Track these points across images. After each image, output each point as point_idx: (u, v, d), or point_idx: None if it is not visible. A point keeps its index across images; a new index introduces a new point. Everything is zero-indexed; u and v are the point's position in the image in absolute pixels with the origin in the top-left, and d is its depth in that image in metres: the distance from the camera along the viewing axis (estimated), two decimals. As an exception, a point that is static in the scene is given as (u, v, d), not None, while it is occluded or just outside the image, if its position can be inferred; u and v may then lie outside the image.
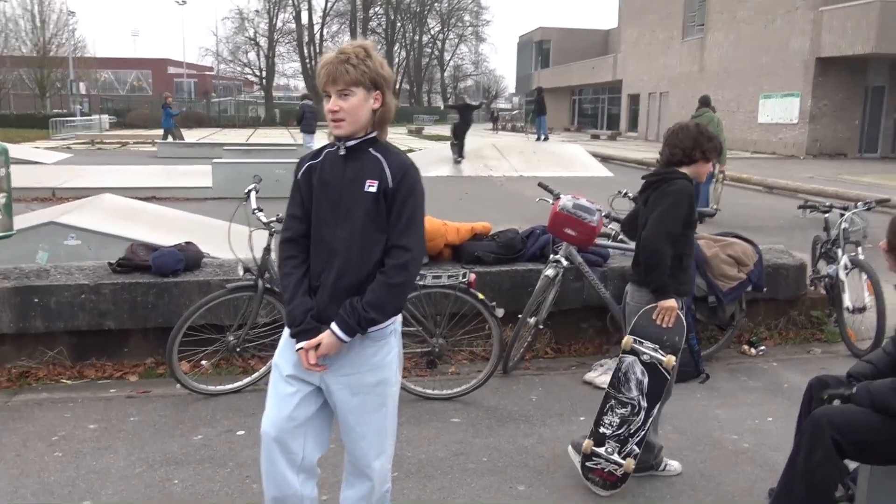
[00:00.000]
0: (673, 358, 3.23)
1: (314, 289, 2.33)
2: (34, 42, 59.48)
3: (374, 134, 2.33)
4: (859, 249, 5.63)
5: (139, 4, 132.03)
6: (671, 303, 3.20)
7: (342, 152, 2.31)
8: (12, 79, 57.43)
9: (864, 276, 5.26)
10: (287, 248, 2.38)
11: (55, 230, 6.71)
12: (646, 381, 3.25)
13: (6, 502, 3.10)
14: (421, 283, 4.24)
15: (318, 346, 2.26)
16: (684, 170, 3.32)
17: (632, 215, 3.73)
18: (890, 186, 14.93)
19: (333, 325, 2.25)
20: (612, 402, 3.30)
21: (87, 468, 3.41)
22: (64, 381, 4.50)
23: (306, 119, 19.33)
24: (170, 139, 24.49)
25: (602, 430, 3.29)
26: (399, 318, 2.42)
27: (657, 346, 3.24)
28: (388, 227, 2.27)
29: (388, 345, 2.37)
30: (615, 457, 3.23)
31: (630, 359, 3.27)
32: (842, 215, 5.75)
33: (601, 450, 3.26)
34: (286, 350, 2.38)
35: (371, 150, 2.31)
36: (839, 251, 5.52)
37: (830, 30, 23.72)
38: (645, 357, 3.25)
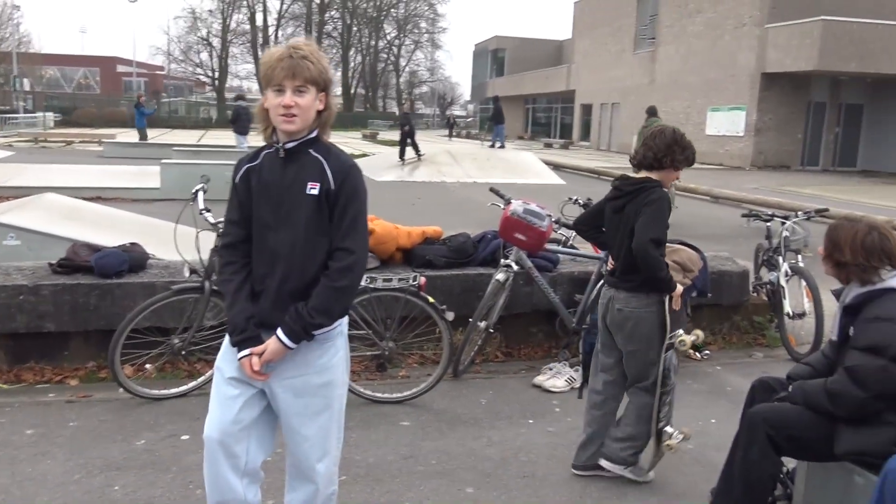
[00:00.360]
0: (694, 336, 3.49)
1: (257, 293, 2.30)
2: (-25, 36, 57.58)
3: (313, 135, 2.29)
4: (799, 257, 5.81)
5: (87, 1, 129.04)
6: (679, 289, 3.37)
7: (282, 154, 2.27)
8: (-49, 74, 55.42)
9: (804, 283, 5.43)
10: (226, 253, 2.35)
11: (-6, 229, 6.49)
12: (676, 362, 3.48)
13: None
14: (371, 286, 4.22)
15: (262, 353, 2.24)
16: (653, 174, 3.36)
17: (588, 215, 3.74)
18: (830, 198, 15.45)
19: (279, 332, 2.22)
20: (665, 397, 3.41)
21: (23, 475, 3.30)
22: (0, 385, 4.34)
23: (241, 120, 19.17)
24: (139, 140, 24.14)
25: (661, 424, 3.40)
26: (345, 319, 2.39)
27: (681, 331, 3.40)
28: (330, 229, 2.24)
29: (335, 346, 2.34)
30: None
31: (670, 353, 3.38)
32: (783, 224, 5.93)
33: (668, 435, 3.40)
34: (229, 352, 2.33)
35: (311, 151, 2.28)
36: (780, 259, 5.69)
37: (775, 46, 24.48)
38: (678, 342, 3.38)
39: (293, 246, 2.23)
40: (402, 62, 77.62)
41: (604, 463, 3.46)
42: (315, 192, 2.22)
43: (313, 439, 2.34)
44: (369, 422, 3.99)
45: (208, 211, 4.25)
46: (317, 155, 2.27)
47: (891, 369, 2.57)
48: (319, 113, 2.28)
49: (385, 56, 77.18)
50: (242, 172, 2.34)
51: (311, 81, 2.20)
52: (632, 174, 3.49)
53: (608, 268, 3.61)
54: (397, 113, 71.66)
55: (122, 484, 3.25)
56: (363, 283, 4.23)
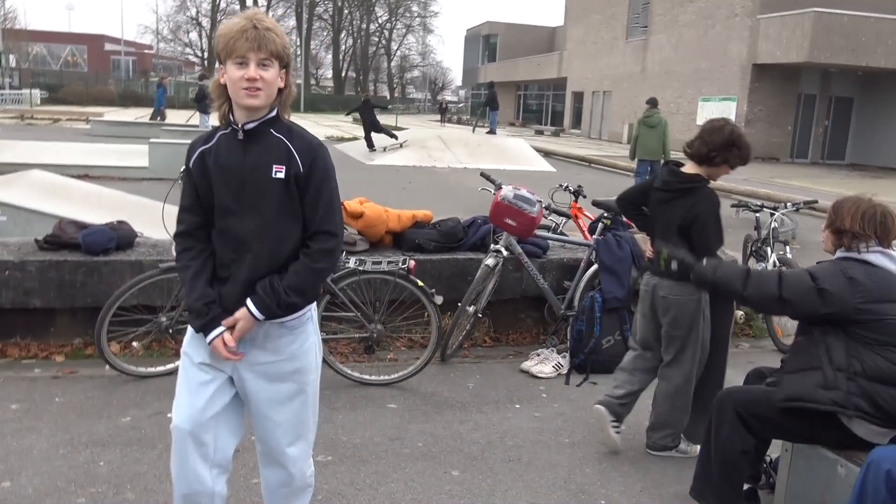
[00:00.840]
0: None
1: (222, 279, 2.20)
2: (-39, 10, 56.74)
3: (273, 114, 2.16)
4: (787, 248, 5.85)
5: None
6: None
7: (240, 136, 2.14)
8: (-65, 47, 54.59)
9: (791, 274, 5.46)
10: (181, 240, 2.23)
11: (-22, 205, 6.43)
12: None
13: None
14: (361, 268, 4.22)
15: (233, 329, 2.15)
16: (703, 169, 3.39)
17: (632, 194, 3.78)
18: (818, 190, 15.54)
19: (249, 304, 2.13)
20: None
21: (7, 449, 3.28)
22: (-16, 360, 4.31)
23: (206, 99, 19.08)
24: (158, 119, 24.33)
25: None
26: (314, 305, 2.32)
27: None
28: (303, 213, 2.15)
29: (305, 332, 2.27)
30: None
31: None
32: (772, 215, 5.96)
33: None
34: (196, 337, 2.23)
35: (273, 131, 2.15)
36: (769, 250, 5.72)
37: (767, 37, 24.50)
38: None
39: (261, 232, 2.13)
40: (394, 46, 77.25)
41: (649, 453, 3.62)
42: (281, 175, 2.10)
43: (286, 425, 2.29)
44: (356, 403, 4.00)
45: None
46: (279, 135, 2.14)
47: (811, 293, 2.69)
48: (280, 91, 2.15)
49: (376, 40, 76.77)
50: (196, 156, 2.19)
51: (275, 55, 2.08)
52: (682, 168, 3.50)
53: (648, 256, 3.64)
54: (388, 97, 71.47)
55: (107, 460, 3.24)
56: (352, 264, 4.23)
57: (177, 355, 4.41)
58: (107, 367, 4.14)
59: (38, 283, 4.38)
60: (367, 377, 4.29)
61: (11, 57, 49.44)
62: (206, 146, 2.19)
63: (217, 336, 2.16)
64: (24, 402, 3.78)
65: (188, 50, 69.30)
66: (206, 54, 66.77)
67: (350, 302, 4.25)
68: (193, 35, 68.12)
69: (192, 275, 2.19)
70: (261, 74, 2.06)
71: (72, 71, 61.67)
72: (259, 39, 2.05)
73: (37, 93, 42.11)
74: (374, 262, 4.27)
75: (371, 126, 20.05)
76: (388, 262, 4.27)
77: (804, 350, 2.81)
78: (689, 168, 3.45)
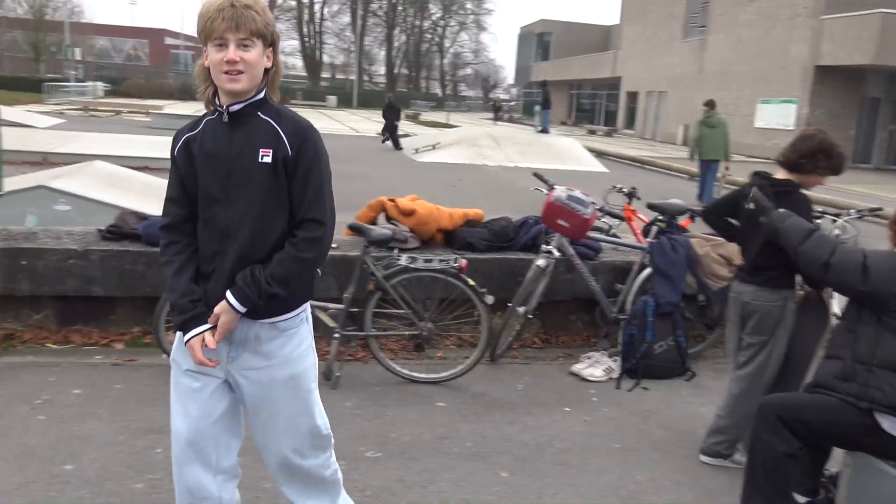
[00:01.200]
0: None
1: (206, 275, 2.08)
2: (30, 4, 58.78)
3: (261, 95, 2.05)
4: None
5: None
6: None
7: (226, 119, 2.03)
8: (7, 40, 56.74)
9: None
10: (166, 234, 2.12)
11: (45, 194, 6.66)
12: None
13: (-14, 462, 3.08)
14: (412, 265, 4.23)
15: (214, 328, 2.04)
16: (793, 175, 3.36)
17: (720, 205, 3.77)
18: (882, 197, 15.03)
19: (228, 295, 2.00)
20: None
21: (70, 433, 3.39)
22: (49, 345, 4.46)
23: None
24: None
25: None
26: (308, 305, 2.21)
27: None
28: (291, 200, 2.03)
29: (299, 335, 2.15)
30: None
31: None
32: (834, 222, 5.79)
33: None
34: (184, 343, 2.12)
35: (260, 114, 2.03)
36: (829, 257, 5.55)
37: (831, 38, 23.78)
38: None
39: (246, 222, 2.01)
40: (447, 43, 77.31)
41: (702, 458, 3.56)
42: (268, 159, 1.99)
43: (283, 434, 2.17)
44: (405, 401, 4.01)
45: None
46: (266, 118, 2.03)
47: (856, 268, 2.76)
48: (266, 71, 2.04)
49: (429, 37, 76.94)
50: (181, 143, 2.08)
51: (257, 34, 1.96)
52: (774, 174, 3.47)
53: (739, 262, 3.63)
54: (440, 94, 71.60)
55: (164, 447, 3.32)
56: (403, 262, 4.25)
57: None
58: (164, 355, 4.24)
59: (100, 272, 4.51)
60: (416, 374, 4.30)
61: (77, 50, 51.04)
62: (192, 133, 2.09)
63: (195, 335, 2.04)
64: (85, 388, 3.90)
65: (245, 45, 70.38)
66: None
67: (401, 299, 4.26)
68: (250, 31, 69.17)
69: (175, 270, 2.08)
70: (241, 56, 1.95)
71: (133, 64, 63.43)
72: (236, 18, 1.93)
73: (100, 85, 43.39)
74: (425, 260, 4.28)
75: (390, 129, 21.45)
76: (440, 261, 4.27)
77: (836, 336, 2.89)
78: (781, 175, 3.40)
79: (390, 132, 21.58)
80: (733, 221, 3.61)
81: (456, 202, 6.23)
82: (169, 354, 4.14)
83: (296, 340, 2.14)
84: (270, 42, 2.03)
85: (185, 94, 41.62)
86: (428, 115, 42.72)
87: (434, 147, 19.94)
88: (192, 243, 2.10)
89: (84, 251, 4.50)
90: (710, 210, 3.81)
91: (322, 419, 2.28)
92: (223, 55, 1.94)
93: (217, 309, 2.03)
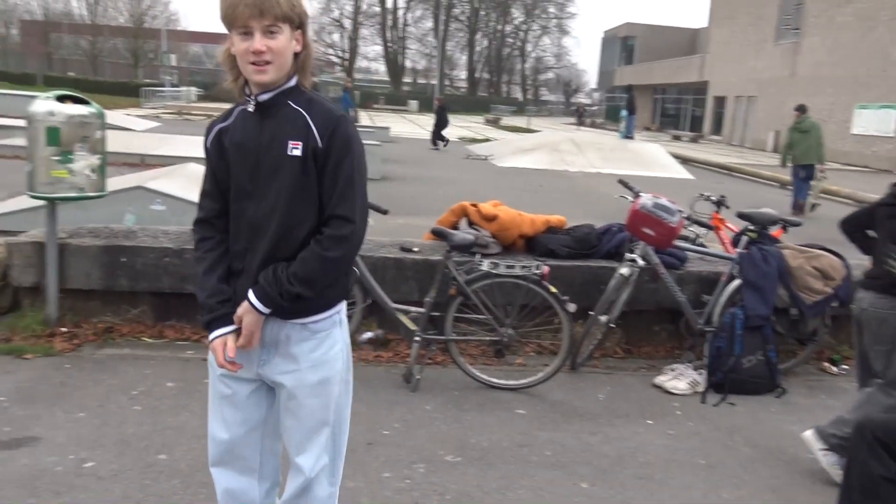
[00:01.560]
0: None
1: (236, 272, 1.98)
2: (131, 13, 61.87)
3: (292, 83, 1.93)
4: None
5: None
6: None
7: (252, 109, 1.92)
8: (108, 47, 59.85)
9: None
10: (199, 229, 2.03)
11: (143, 194, 6.99)
12: None
13: (88, 449, 3.25)
14: (494, 271, 4.23)
15: (238, 331, 1.95)
16: None
17: (857, 216, 3.71)
18: None
19: (250, 294, 1.90)
20: None
21: (164, 424, 3.54)
22: (145, 338, 4.67)
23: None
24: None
25: None
26: (343, 307, 2.08)
27: None
28: (320, 194, 1.90)
29: (331, 337, 2.03)
30: None
31: None
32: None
33: None
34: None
35: (290, 103, 1.91)
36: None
37: (938, 40, 22.51)
38: None
39: (275, 217, 1.90)
40: (529, 47, 77.06)
41: (806, 434, 3.52)
42: (298, 152, 1.87)
43: (302, 437, 2.05)
44: (484, 406, 4.01)
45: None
46: (297, 107, 1.90)
47: None
48: (296, 55, 1.91)
49: (511, 41, 76.88)
50: (213, 135, 1.99)
51: (283, 18, 1.82)
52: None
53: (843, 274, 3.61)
54: (521, 98, 71.40)
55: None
56: (485, 267, 4.25)
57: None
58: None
59: (194, 270, 4.68)
60: (495, 381, 4.30)
61: (172, 56, 53.37)
62: (224, 124, 1.98)
63: (219, 336, 1.95)
64: (178, 381, 4.06)
65: (330, 51, 72.20)
66: (346, 54, 69.35)
67: (482, 304, 4.27)
68: (336, 36, 70.94)
69: (206, 267, 1.99)
70: (268, 45, 1.83)
71: (223, 69, 65.75)
72: (260, 4, 1.79)
73: (193, 90, 45.19)
74: (507, 266, 4.27)
75: (439, 126, 22.50)
76: (522, 267, 4.25)
77: None
78: None
79: (437, 132, 22.64)
80: (871, 233, 3.53)
81: (536, 208, 6.19)
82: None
83: (328, 343, 2.02)
84: (298, 24, 1.88)
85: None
86: (508, 120, 42.64)
87: (486, 158, 19.88)
88: (225, 240, 2.00)
89: (179, 250, 4.69)
90: (846, 222, 3.73)
91: (342, 435, 2.13)
92: (248, 44, 1.82)
93: (240, 310, 1.93)
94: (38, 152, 4.32)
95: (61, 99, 4.41)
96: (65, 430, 3.40)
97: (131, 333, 4.69)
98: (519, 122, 41.68)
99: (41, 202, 4.57)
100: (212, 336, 1.95)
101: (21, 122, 13.33)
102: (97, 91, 40.81)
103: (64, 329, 4.58)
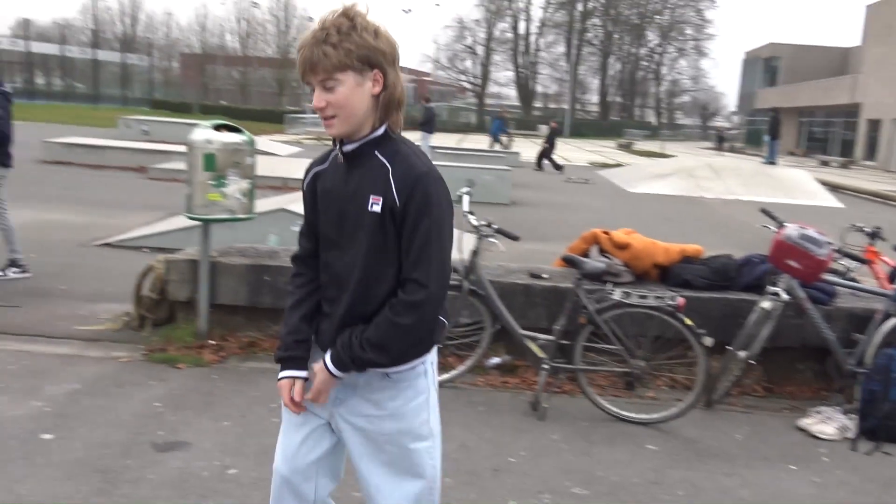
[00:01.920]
0: None
1: (325, 315, 1.94)
2: (277, 45, 65.92)
3: (380, 132, 1.82)
4: None
5: (370, 12, 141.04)
6: None
7: (340, 159, 1.86)
8: (257, 77, 63.96)
9: None
10: (295, 265, 2.02)
11: (285, 216, 7.38)
12: None
13: (232, 456, 3.44)
14: (626, 301, 4.14)
15: (306, 379, 1.93)
16: None
17: None
18: None
19: (326, 356, 1.87)
20: None
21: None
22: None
23: (429, 122, 21.78)
24: (497, 147, 27.43)
25: None
26: (430, 358, 1.97)
27: None
28: (400, 254, 1.81)
29: (413, 389, 1.92)
30: None
31: None
32: None
33: None
34: None
35: (377, 153, 1.81)
36: None
37: None
38: None
39: (355, 272, 1.83)
40: (664, 70, 75.27)
41: None
42: (377, 208, 1.77)
43: (384, 491, 1.95)
44: (613, 439, 3.91)
45: (472, 214, 4.45)
46: (383, 159, 1.80)
47: None
48: (376, 98, 1.79)
49: (646, 64, 75.40)
50: (310, 177, 1.95)
51: (338, 68, 1.72)
52: None
53: None
54: (654, 122, 69.76)
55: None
56: (617, 296, 4.16)
57: (443, 369, 4.68)
58: (382, 372, 4.49)
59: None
60: (625, 413, 4.18)
61: (313, 85, 56.23)
62: (321, 167, 1.94)
63: (287, 378, 1.94)
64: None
65: (462, 77, 73.67)
66: (478, 80, 70.49)
67: (612, 334, 4.18)
68: (468, 62, 72.34)
69: (292, 303, 1.97)
70: (327, 99, 1.76)
71: (361, 97, 68.54)
72: (310, 59, 1.73)
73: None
74: (640, 296, 4.17)
75: (548, 150, 22.62)
76: (655, 297, 4.14)
77: None
78: None
79: (546, 153, 22.71)
80: None
81: (670, 236, 5.99)
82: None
83: (409, 393, 1.92)
84: (373, 63, 1.76)
85: (406, 124, 44.12)
86: (641, 145, 41.70)
87: (587, 181, 19.42)
88: (317, 279, 1.96)
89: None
90: None
91: (431, 494, 1.99)
92: (313, 100, 1.79)
93: (316, 366, 1.89)
94: (196, 177, 4.68)
95: (217, 128, 4.76)
96: (211, 437, 3.62)
97: (272, 348, 4.94)
98: (652, 146, 40.67)
99: (195, 222, 4.93)
100: (280, 375, 1.95)
101: (177, 148, 14.48)
102: (245, 118, 43.62)
103: (212, 342, 4.90)
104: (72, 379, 4.25)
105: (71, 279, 6.44)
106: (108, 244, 7.96)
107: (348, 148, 1.82)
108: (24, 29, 62.71)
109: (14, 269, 6.35)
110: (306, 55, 1.74)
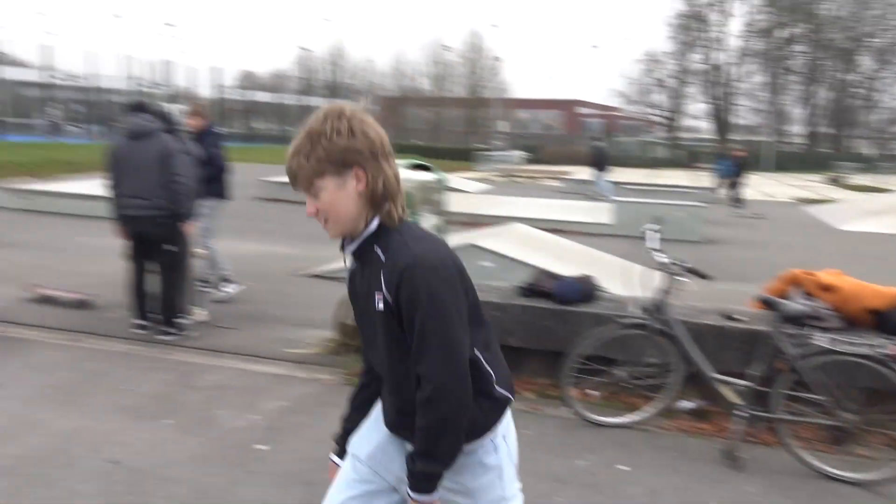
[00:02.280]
0: None
1: (384, 399, 2.00)
2: (467, 85, 68.43)
3: (373, 226, 1.79)
4: None
5: (557, 49, 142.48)
6: None
7: (349, 262, 1.90)
8: (448, 117, 66.66)
9: None
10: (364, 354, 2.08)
11: (474, 252, 7.63)
12: None
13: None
14: (832, 347, 3.85)
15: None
16: None
17: None
18: None
19: (406, 487, 1.84)
20: None
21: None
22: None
23: (600, 160, 21.24)
24: (723, 191, 21.65)
25: None
26: (503, 429, 1.93)
27: None
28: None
29: (482, 466, 1.88)
30: None
31: None
32: None
33: None
34: (369, 430, 2.03)
35: (377, 248, 1.78)
36: None
37: None
38: None
39: (384, 368, 1.87)
40: (879, 96, 68.72)
41: None
42: (382, 306, 1.75)
43: None
44: (817, 498, 3.63)
45: (660, 251, 4.37)
46: (379, 253, 1.78)
47: None
48: (362, 193, 1.77)
49: (857, 90, 69.31)
50: (349, 277, 1.96)
51: (315, 176, 1.74)
52: None
53: None
54: (868, 153, 63.74)
55: (564, 496, 3.52)
56: (822, 343, 3.88)
57: (627, 409, 4.59)
58: (567, 409, 4.49)
59: (516, 325, 4.99)
60: (832, 470, 3.85)
61: (501, 122, 57.55)
62: (353, 268, 1.94)
63: (332, 460, 2.11)
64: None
65: (652, 110, 71.92)
66: (669, 114, 68.49)
67: (817, 383, 3.89)
68: (659, 96, 70.56)
69: (352, 393, 2.11)
70: (316, 206, 1.78)
71: (549, 133, 69.09)
72: (290, 173, 1.78)
73: (520, 154, 48.05)
74: (848, 343, 3.86)
75: (735, 183, 20.37)
76: (868, 345, 3.81)
77: None
78: None
79: (736, 189, 20.48)
80: None
81: (886, 280, 5.44)
82: (571, 409, 4.41)
83: (478, 470, 1.88)
84: (348, 163, 1.74)
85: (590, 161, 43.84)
86: (854, 178, 38.26)
87: (761, 217, 17.71)
88: (373, 369, 2.05)
89: (503, 304, 5.03)
90: None
91: None
92: (306, 206, 1.83)
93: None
94: (394, 214, 4.99)
95: (414, 167, 5.07)
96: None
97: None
98: (866, 180, 37.18)
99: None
100: (331, 457, 2.12)
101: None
102: (437, 156, 45.38)
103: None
104: (282, 397, 4.67)
105: (282, 306, 7.07)
106: (315, 275, 8.60)
107: (351, 247, 1.84)
108: (247, 80, 70.23)
109: (232, 286, 7.20)
110: (287, 167, 1.78)
